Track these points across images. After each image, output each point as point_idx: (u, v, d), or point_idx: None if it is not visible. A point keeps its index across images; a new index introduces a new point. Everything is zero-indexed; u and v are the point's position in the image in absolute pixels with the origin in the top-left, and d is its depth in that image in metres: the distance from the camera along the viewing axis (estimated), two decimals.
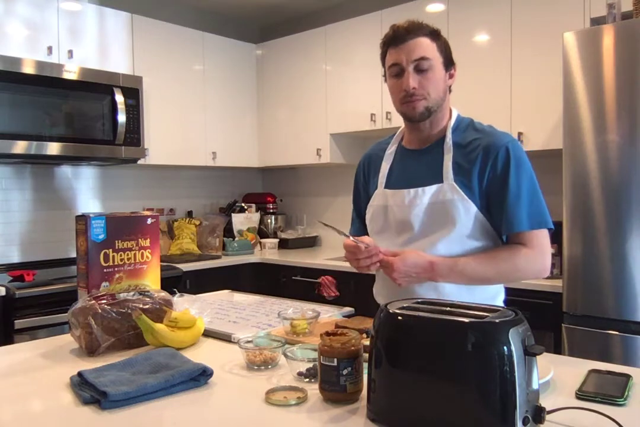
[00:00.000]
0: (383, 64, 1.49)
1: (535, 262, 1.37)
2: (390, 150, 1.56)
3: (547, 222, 1.38)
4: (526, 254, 1.35)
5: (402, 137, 1.57)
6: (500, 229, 1.38)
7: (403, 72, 1.39)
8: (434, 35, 1.42)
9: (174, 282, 2.89)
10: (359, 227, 1.66)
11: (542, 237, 1.38)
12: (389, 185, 1.51)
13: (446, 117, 1.48)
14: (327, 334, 1.04)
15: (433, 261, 1.33)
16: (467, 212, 1.37)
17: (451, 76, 1.46)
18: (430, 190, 1.40)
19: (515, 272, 1.37)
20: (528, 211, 1.35)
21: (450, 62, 1.45)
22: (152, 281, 1.64)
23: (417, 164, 1.47)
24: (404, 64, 1.39)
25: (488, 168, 1.37)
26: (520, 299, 2.30)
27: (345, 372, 0.99)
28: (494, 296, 1.46)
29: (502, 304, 1.47)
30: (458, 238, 1.38)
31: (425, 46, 1.39)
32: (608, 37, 2.11)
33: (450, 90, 1.48)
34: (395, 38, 1.40)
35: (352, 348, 1.00)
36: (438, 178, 1.41)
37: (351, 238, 1.36)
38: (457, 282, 1.37)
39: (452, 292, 1.38)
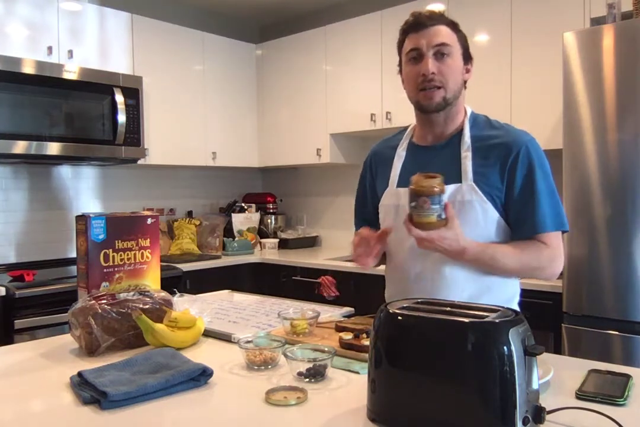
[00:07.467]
0: (399, 53, 1.44)
1: (555, 262, 1.35)
2: (402, 147, 1.50)
3: (565, 223, 1.36)
4: (549, 253, 1.34)
5: (413, 134, 1.51)
6: (520, 229, 1.35)
7: (422, 57, 1.35)
8: (455, 26, 1.40)
9: (174, 282, 2.89)
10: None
11: (559, 238, 1.36)
12: (400, 184, 1.44)
13: (461, 113, 1.44)
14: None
15: (466, 247, 1.26)
16: (485, 214, 1.33)
17: (467, 71, 1.43)
18: (447, 190, 1.28)
19: (535, 269, 1.35)
20: (552, 212, 1.34)
21: (468, 56, 1.42)
22: (152, 281, 1.63)
23: (431, 162, 1.41)
24: (424, 49, 1.35)
25: (507, 167, 1.33)
26: (520, 299, 2.30)
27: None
28: (510, 298, 1.43)
29: (517, 307, 1.43)
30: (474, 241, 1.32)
31: (446, 33, 1.36)
32: (608, 37, 2.11)
33: (465, 86, 1.44)
34: (417, 24, 1.37)
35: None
36: (454, 177, 1.34)
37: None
38: (477, 268, 1.33)
39: (472, 296, 1.34)
